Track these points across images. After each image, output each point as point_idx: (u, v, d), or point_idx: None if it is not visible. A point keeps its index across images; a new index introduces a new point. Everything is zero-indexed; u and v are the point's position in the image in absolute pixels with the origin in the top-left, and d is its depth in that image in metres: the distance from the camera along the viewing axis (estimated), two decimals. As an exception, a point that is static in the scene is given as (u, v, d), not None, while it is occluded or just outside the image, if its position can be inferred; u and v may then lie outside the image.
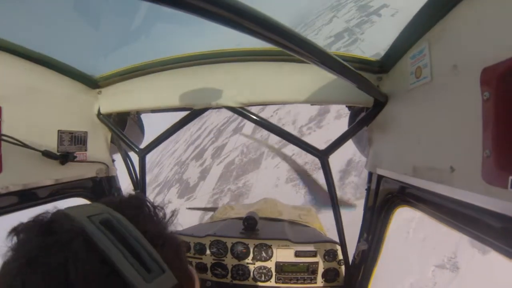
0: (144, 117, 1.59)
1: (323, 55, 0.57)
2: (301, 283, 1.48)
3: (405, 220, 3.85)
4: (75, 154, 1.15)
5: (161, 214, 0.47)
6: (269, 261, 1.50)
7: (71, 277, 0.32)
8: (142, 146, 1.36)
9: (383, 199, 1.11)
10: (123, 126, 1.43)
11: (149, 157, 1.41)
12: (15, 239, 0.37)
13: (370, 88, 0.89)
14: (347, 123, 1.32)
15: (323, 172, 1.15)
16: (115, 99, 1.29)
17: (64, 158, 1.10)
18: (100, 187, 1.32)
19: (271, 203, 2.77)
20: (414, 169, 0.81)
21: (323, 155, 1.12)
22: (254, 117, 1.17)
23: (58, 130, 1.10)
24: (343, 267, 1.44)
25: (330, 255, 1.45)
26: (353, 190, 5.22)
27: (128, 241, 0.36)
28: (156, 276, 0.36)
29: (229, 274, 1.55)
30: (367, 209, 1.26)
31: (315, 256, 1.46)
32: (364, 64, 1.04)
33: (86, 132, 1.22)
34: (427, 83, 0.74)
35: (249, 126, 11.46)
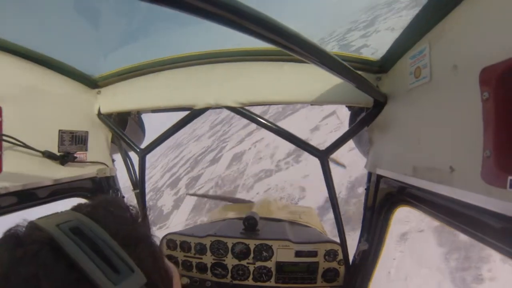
0: (145, 117, 1.59)
1: (323, 55, 0.57)
2: (301, 283, 1.48)
3: (388, 258, 3.86)
4: (75, 155, 1.15)
5: (133, 215, 0.47)
6: (269, 261, 1.50)
7: (43, 286, 0.32)
8: (143, 146, 1.36)
9: (383, 199, 1.11)
10: (123, 126, 1.43)
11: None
12: None
13: (370, 88, 0.89)
14: (348, 124, 1.32)
15: (322, 172, 1.15)
16: (115, 99, 1.29)
17: (64, 158, 1.10)
18: (100, 187, 1.32)
19: (271, 203, 2.77)
20: (414, 169, 0.81)
21: (323, 156, 1.12)
22: (254, 117, 1.17)
23: (59, 130, 1.10)
24: (343, 267, 1.44)
25: (330, 255, 1.45)
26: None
27: (98, 245, 0.37)
28: (125, 277, 0.36)
29: (229, 274, 1.55)
30: (367, 209, 1.26)
31: (315, 256, 1.46)
32: (363, 64, 1.04)
33: (87, 132, 1.22)
34: (427, 83, 0.74)
35: (226, 158, 11.33)
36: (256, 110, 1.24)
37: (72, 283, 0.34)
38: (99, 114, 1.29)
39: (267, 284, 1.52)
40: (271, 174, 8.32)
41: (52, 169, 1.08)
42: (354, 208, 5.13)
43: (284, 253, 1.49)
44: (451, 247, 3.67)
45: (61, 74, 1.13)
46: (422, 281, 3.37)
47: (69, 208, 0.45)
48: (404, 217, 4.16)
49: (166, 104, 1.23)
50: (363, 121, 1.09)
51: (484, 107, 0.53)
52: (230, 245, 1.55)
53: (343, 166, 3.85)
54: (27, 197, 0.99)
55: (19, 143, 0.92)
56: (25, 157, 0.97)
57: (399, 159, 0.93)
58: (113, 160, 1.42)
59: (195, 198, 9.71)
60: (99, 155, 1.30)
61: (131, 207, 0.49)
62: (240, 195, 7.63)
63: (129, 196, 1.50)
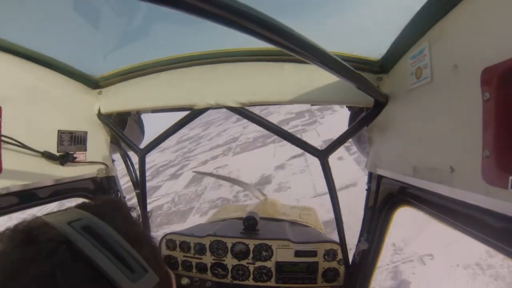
0: (144, 117, 1.59)
1: (323, 55, 0.57)
2: (301, 283, 1.48)
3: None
4: (75, 155, 1.15)
5: (135, 215, 0.48)
6: (269, 261, 1.50)
7: (60, 285, 0.32)
8: (142, 146, 1.36)
9: (384, 199, 1.11)
10: (123, 126, 1.43)
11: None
12: None
13: (370, 88, 0.89)
14: (347, 123, 1.32)
15: (323, 172, 1.15)
16: (115, 99, 1.29)
17: (64, 158, 1.10)
18: (100, 187, 1.32)
19: (271, 203, 2.77)
20: (414, 169, 0.81)
21: (323, 155, 1.12)
22: (254, 117, 1.17)
23: (58, 130, 1.10)
24: (343, 267, 1.44)
25: (330, 255, 1.45)
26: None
27: (111, 245, 0.37)
28: (140, 276, 0.37)
29: (229, 274, 1.55)
30: (367, 209, 1.26)
31: (315, 256, 1.46)
32: (364, 64, 1.04)
33: (86, 132, 1.22)
34: (428, 83, 0.74)
35: (186, 176, 11.16)
36: (256, 110, 1.23)
37: (90, 282, 0.34)
38: (99, 114, 1.29)
39: (267, 284, 1.52)
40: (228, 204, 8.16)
41: (52, 170, 1.08)
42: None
43: (283, 253, 1.49)
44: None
45: (61, 74, 1.13)
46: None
47: (73, 206, 0.45)
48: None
49: (166, 104, 1.23)
50: (363, 121, 1.09)
51: (485, 107, 0.53)
52: (229, 245, 1.55)
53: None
54: (27, 197, 0.99)
55: (18, 143, 0.92)
56: (24, 158, 0.97)
57: (400, 159, 0.93)
58: (113, 160, 1.42)
59: (148, 208, 9.49)
60: (99, 155, 1.30)
61: (132, 208, 0.49)
62: (193, 218, 7.32)
63: (130, 197, 1.50)
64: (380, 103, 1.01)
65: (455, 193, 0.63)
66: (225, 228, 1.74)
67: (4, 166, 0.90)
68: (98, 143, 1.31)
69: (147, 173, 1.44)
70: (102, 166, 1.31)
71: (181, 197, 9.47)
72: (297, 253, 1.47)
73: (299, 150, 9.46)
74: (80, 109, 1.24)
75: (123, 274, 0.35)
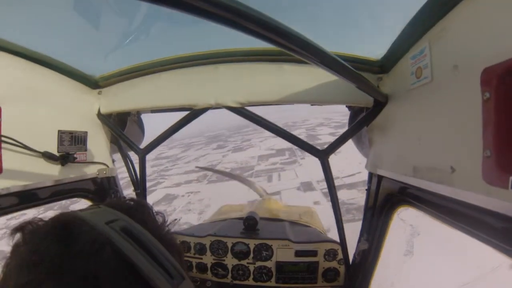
0: (146, 116, 1.59)
1: (323, 55, 0.57)
2: (301, 283, 1.48)
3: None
4: (75, 155, 1.15)
5: (161, 219, 0.48)
6: (270, 261, 1.50)
7: (104, 286, 0.32)
8: (142, 146, 1.35)
9: (384, 199, 1.11)
10: (123, 126, 1.43)
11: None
12: (21, 238, 0.36)
13: (370, 88, 0.89)
14: (347, 123, 1.32)
15: (323, 172, 1.15)
16: (115, 99, 1.29)
17: (64, 158, 1.10)
18: (101, 188, 1.32)
19: (271, 203, 2.77)
20: (414, 170, 0.81)
21: (323, 156, 1.12)
22: (254, 117, 1.17)
23: (58, 131, 1.10)
24: (343, 267, 1.44)
25: (330, 254, 1.45)
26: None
27: (150, 249, 0.38)
28: (179, 283, 0.37)
29: (230, 274, 1.55)
30: (367, 209, 1.26)
31: (315, 255, 1.46)
32: (364, 64, 1.04)
33: (86, 132, 1.22)
34: (428, 83, 0.74)
35: (158, 194, 11.17)
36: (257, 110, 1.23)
37: (132, 284, 0.34)
38: (99, 114, 1.29)
39: (268, 284, 1.52)
40: (192, 230, 8.28)
41: (53, 170, 1.08)
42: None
43: (284, 253, 1.49)
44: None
45: (61, 74, 1.13)
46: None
47: (103, 204, 0.45)
48: None
49: (166, 104, 1.23)
50: (363, 121, 1.09)
51: (485, 107, 0.53)
52: (230, 245, 1.54)
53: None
54: (28, 197, 0.99)
55: (18, 143, 0.92)
56: (25, 158, 0.97)
57: (400, 159, 0.93)
58: (113, 161, 1.42)
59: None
60: (99, 156, 1.30)
61: (158, 213, 0.49)
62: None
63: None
64: (380, 103, 1.01)
65: (456, 193, 0.63)
66: (225, 228, 1.74)
67: (4, 166, 0.90)
68: (98, 143, 1.31)
69: (148, 173, 1.44)
70: (102, 166, 1.31)
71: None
72: (298, 253, 1.47)
73: (275, 188, 9.48)
74: (80, 109, 1.24)
75: (165, 280, 0.36)
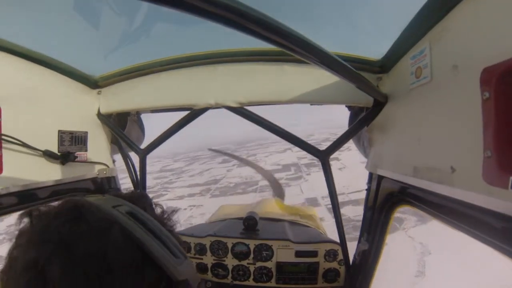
0: (148, 116, 1.59)
1: (323, 55, 0.57)
2: (301, 284, 1.48)
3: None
4: (75, 154, 1.15)
5: (160, 210, 0.50)
6: (270, 261, 1.50)
7: (112, 263, 0.33)
8: (143, 146, 1.35)
9: (384, 199, 1.11)
10: (123, 126, 1.43)
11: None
12: (28, 223, 0.37)
13: (370, 88, 0.89)
14: (347, 123, 1.32)
15: (323, 172, 1.15)
16: (115, 99, 1.29)
17: (65, 158, 1.10)
18: (101, 187, 1.32)
19: (271, 203, 2.77)
20: (414, 169, 0.81)
21: (323, 156, 1.12)
22: (254, 117, 1.17)
23: (59, 130, 1.10)
24: (343, 268, 1.44)
25: (330, 255, 1.45)
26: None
27: (154, 230, 0.40)
28: (182, 261, 0.39)
29: (230, 275, 1.55)
30: (367, 209, 1.26)
31: (315, 256, 1.45)
32: (364, 64, 1.04)
33: (86, 132, 1.22)
34: (427, 83, 0.74)
35: None
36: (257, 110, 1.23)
37: (138, 263, 0.36)
38: (99, 114, 1.29)
39: (268, 284, 1.52)
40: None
41: (53, 169, 1.08)
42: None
43: (284, 253, 1.49)
44: None
45: (61, 74, 1.13)
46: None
47: (108, 194, 0.47)
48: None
49: (166, 104, 1.23)
50: (363, 121, 1.09)
51: (485, 107, 0.53)
52: (230, 245, 1.54)
53: None
54: (29, 197, 0.99)
55: (19, 142, 0.92)
56: (25, 157, 0.97)
57: (400, 159, 0.93)
58: (113, 161, 1.42)
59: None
60: (100, 156, 1.30)
61: (158, 204, 0.51)
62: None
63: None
64: (380, 103, 1.01)
65: (456, 193, 0.62)
66: (225, 229, 1.74)
67: (5, 165, 0.90)
68: (98, 143, 1.31)
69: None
70: (103, 166, 1.31)
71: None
72: (298, 254, 1.47)
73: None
74: (80, 109, 1.24)
75: (169, 258, 0.37)
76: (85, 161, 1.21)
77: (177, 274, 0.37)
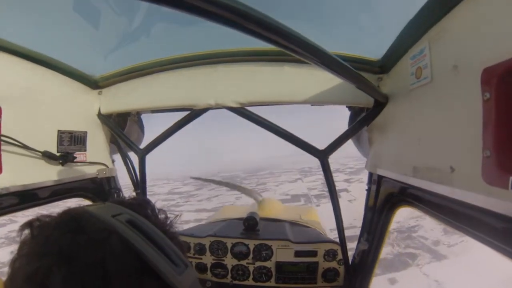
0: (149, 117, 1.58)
1: (323, 55, 0.57)
2: (301, 283, 1.48)
3: None
4: (75, 155, 1.15)
5: (163, 215, 0.50)
6: (269, 261, 1.50)
7: (110, 272, 0.33)
8: (142, 146, 1.35)
9: (384, 199, 1.11)
10: (123, 126, 1.43)
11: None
12: (29, 234, 0.37)
13: (370, 88, 0.89)
14: (347, 123, 1.32)
15: (323, 172, 1.15)
16: (115, 99, 1.29)
17: (64, 158, 1.10)
18: (100, 187, 1.32)
19: (271, 204, 2.77)
20: (414, 170, 0.81)
21: (323, 155, 1.12)
22: (254, 117, 1.17)
23: (58, 130, 1.09)
24: (343, 267, 1.44)
25: (330, 255, 1.45)
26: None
27: (155, 239, 0.39)
28: (183, 270, 0.39)
29: (229, 274, 1.55)
30: (367, 209, 1.26)
31: (315, 256, 1.45)
32: (364, 64, 1.04)
33: (85, 132, 1.22)
34: (428, 83, 0.74)
35: None
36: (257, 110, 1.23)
37: (138, 272, 0.36)
38: (99, 114, 1.29)
39: (267, 284, 1.52)
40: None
41: (53, 170, 1.07)
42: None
43: (283, 253, 1.49)
44: None
45: (61, 74, 1.13)
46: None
47: (110, 201, 0.47)
48: None
49: (166, 104, 1.23)
50: (363, 121, 1.09)
51: (485, 107, 0.53)
52: (229, 245, 1.54)
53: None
54: (28, 197, 0.99)
55: (18, 143, 0.92)
56: (25, 158, 0.97)
57: (400, 160, 0.93)
58: (113, 161, 1.42)
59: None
60: (99, 156, 1.30)
61: (160, 209, 0.51)
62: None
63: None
64: (380, 103, 1.01)
65: (455, 193, 0.62)
66: (225, 229, 1.74)
67: (4, 166, 0.90)
68: (98, 143, 1.31)
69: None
70: (102, 167, 1.31)
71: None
72: (297, 253, 1.47)
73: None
74: (80, 109, 1.23)
75: (169, 267, 0.37)
76: (84, 161, 1.21)
77: (177, 284, 0.37)
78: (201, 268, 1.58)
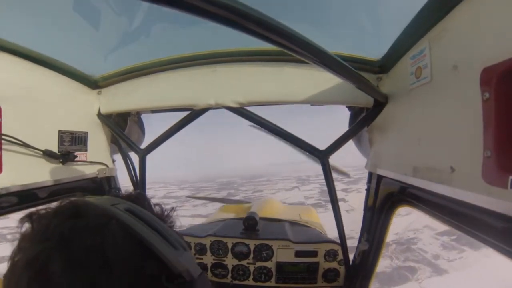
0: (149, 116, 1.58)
1: (323, 55, 0.57)
2: (301, 283, 1.48)
3: None
4: (75, 154, 1.15)
5: (159, 209, 0.51)
6: (270, 261, 1.50)
7: (110, 256, 0.34)
8: (143, 146, 1.35)
9: (384, 199, 1.11)
10: (123, 126, 1.43)
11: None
12: (29, 225, 0.38)
13: (370, 88, 0.89)
14: (348, 124, 1.32)
15: (323, 173, 1.15)
16: (115, 99, 1.29)
17: (65, 157, 1.10)
18: (100, 187, 1.32)
19: (271, 203, 2.77)
20: (414, 169, 0.81)
21: (323, 156, 1.12)
22: (254, 117, 1.17)
23: (59, 130, 1.09)
24: (343, 267, 1.44)
25: (330, 255, 1.45)
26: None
27: (153, 225, 0.40)
28: (182, 253, 0.40)
29: (230, 274, 1.55)
30: (367, 209, 1.26)
31: (315, 256, 1.46)
32: (364, 64, 1.04)
33: (86, 132, 1.22)
34: (427, 83, 0.74)
35: None
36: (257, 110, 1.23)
37: (138, 255, 0.36)
38: (99, 114, 1.29)
39: (268, 284, 1.52)
40: None
41: (53, 169, 1.08)
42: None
43: (284, 253, 1.49)
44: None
45: (61, 74, 1.13)
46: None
47: (107, 195, 0.48)
48: None
49: (166, 104, 1.23)
50: (363, 121, 1.09)
51: (485, 107, 0.53)
52: (230, 245, 1.54)
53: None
54: (28, 197, 0.99)
55: (19, 142, 0.92)
56: (25, 157, 0.97)
57: (400, 159, 0.93)
58: (113, 160, 1.42)
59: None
60: (100, 155, 1.30)
61: (156, 204, 0.52)
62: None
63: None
64: (380, 103, 1.01)
65: (455, 193, 0.62)
66: (226, 228, 1.74)
67: (5, 165, 0.90)
68: (98, 143, 1.31)
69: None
70: (103, 166, 1.31)
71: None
72: (298, 253, 1.47)
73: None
74: (80, 109, 1.23)
75: (169, 250, 0.38)
76: (85, 161, 1.21)
77: (178, 266, 0.38)
78: (201, 268, 1.58)
